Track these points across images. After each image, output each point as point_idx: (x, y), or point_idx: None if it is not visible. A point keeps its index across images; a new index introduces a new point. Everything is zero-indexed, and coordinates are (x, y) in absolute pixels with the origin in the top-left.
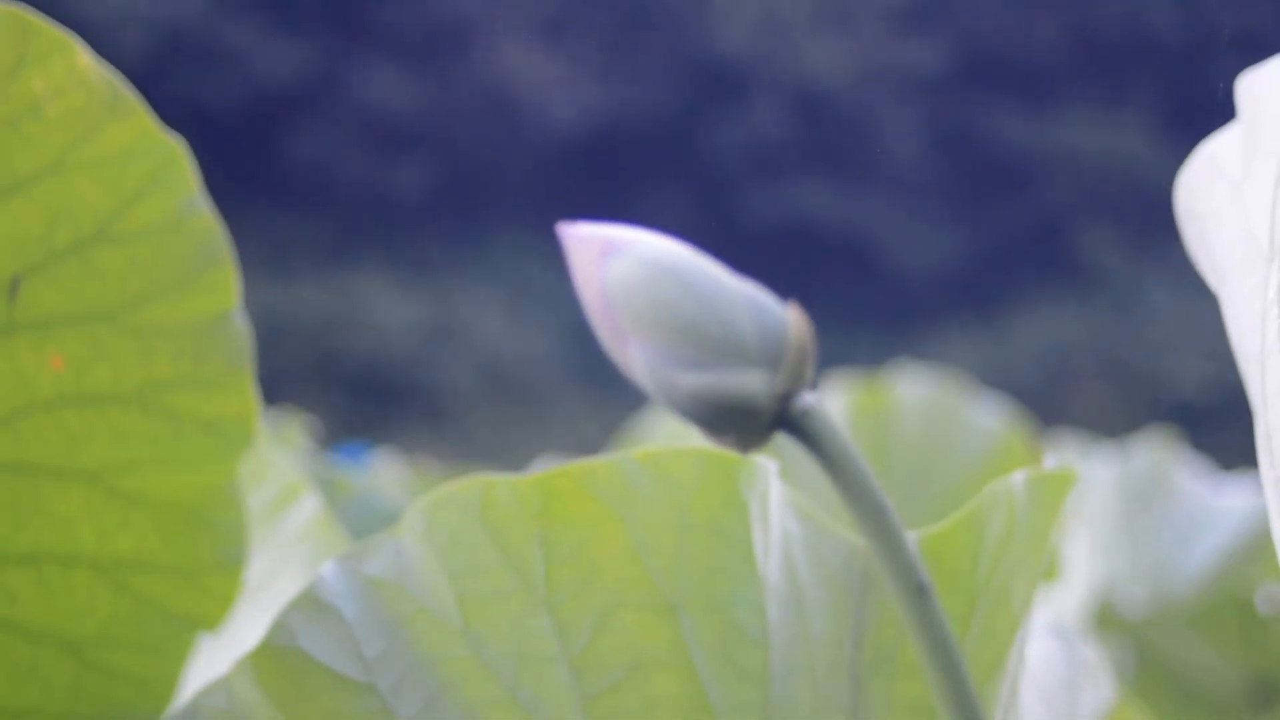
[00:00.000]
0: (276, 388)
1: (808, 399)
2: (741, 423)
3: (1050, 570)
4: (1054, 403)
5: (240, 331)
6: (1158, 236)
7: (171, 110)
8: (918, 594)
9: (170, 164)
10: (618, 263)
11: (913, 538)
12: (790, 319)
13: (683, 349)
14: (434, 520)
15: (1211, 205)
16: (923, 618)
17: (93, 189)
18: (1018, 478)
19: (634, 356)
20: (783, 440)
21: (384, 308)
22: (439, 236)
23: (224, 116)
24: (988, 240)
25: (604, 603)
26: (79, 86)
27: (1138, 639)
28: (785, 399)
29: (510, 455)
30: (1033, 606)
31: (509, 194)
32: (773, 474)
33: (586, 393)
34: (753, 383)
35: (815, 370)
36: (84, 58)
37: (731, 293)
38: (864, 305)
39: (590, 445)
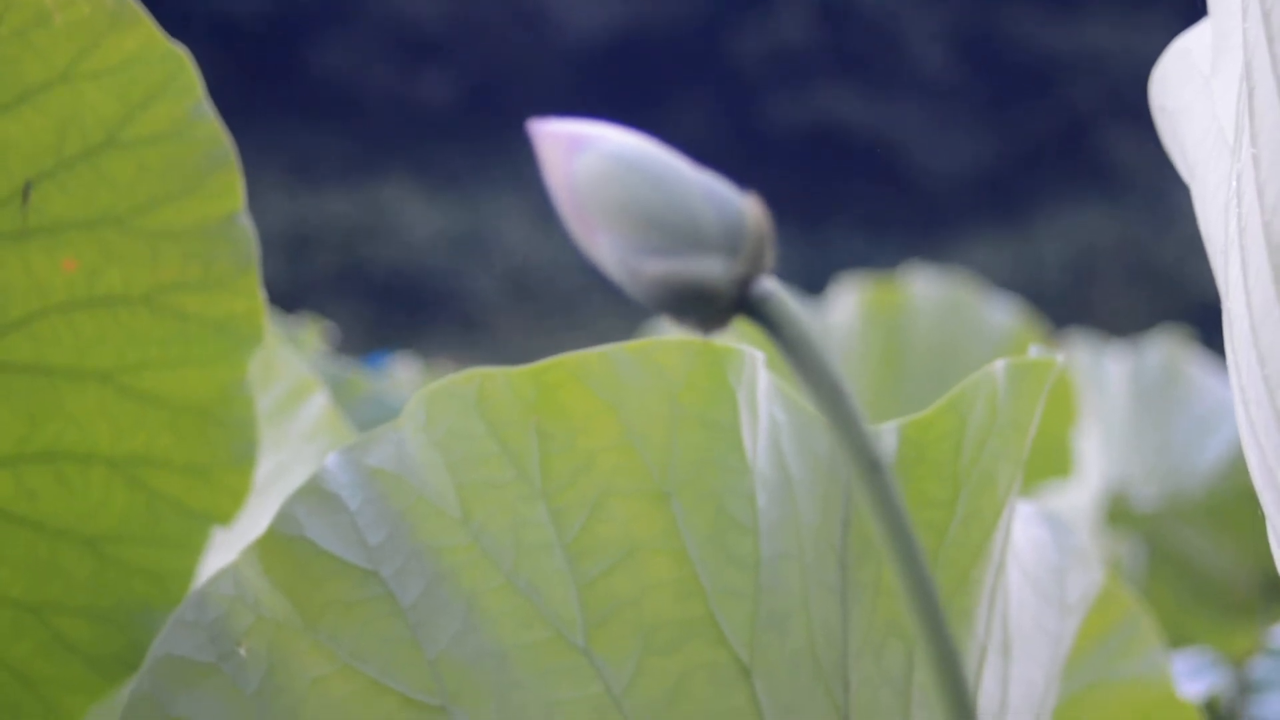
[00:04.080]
0: (305, 298)
1: (766, 284)
2: (703, 307)
3: (1064, 466)
4: (1080, 304)
5: (246, 233)
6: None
7: (197, 23)
8: (872, 470)
9: (176, 72)
10: (584, 157)
11: (895, 426)
12: (748, 208)
13: (646, 238)
14: (433, 412)
15: (1183, 100)
16: (877, 494)
17: (101, 97)
18: (999, 365)
19: (601, 246)
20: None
21: (411, 218)
22: (465, 146)
23: (250, 28)
24: (1013, 143)
25: (597, 491)
26: None
27: (1150, 533)
28: (744, 283)
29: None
30: (1016, 491)
31: (535, 102)
32: (760, 364)
33: (613, 300)
34: (713, 268)
35: (774, 256)
36: None
37: (692, 184)
38: (889, 209)
39: None
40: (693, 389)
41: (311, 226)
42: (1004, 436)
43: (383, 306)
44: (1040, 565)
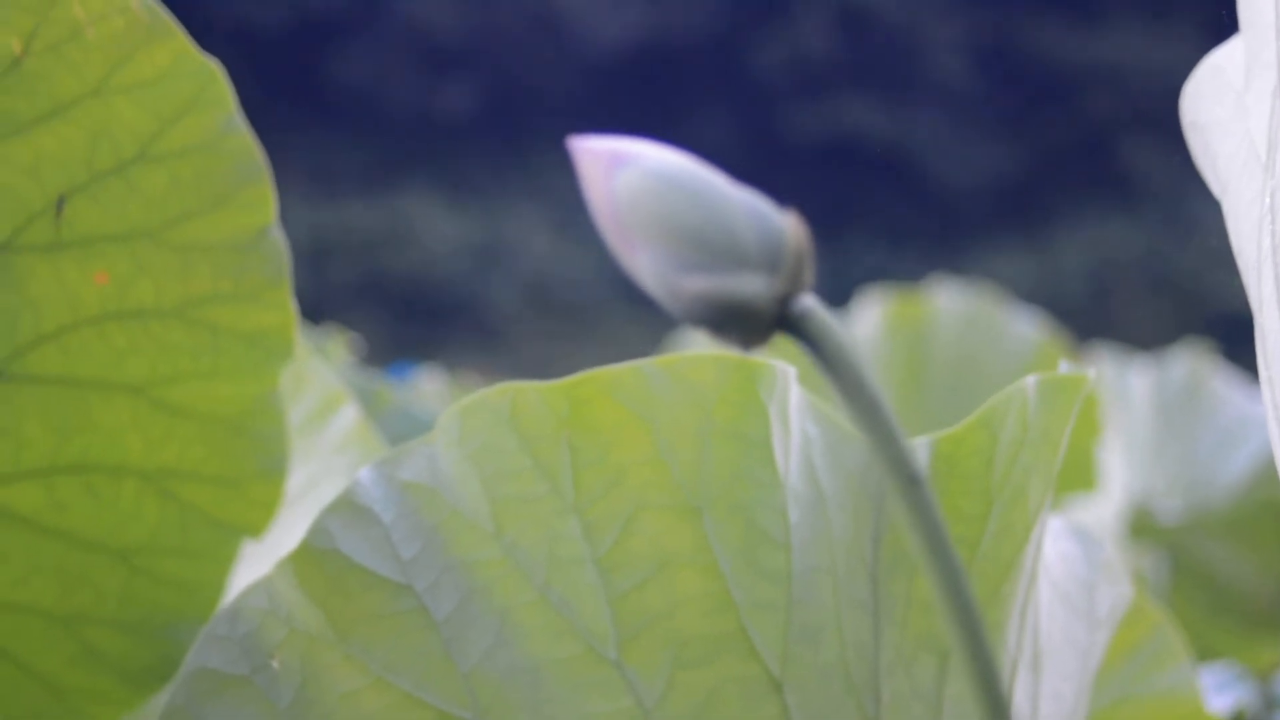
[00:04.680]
0: (325, 308)
1: (806, 301)
2: (743, 324)
3: (1088, 480)
4: (1099, 317)
5: (278, 247)
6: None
7: (219, 32)
8: (911, 485)
9: (208, 85)
10: (625, 174)
11: (927, 441)
12: (788, 225)
13: (687, 255)
14: (466, 426)
15: (1215, 115)
16: (916, 508)
17: (133, 111)
18: (1030, 381)
19: (641, 263)
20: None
21: (431, 228)
22: (485, 156)
23: (271, 39)
24: (1033, 154)
25: (630, 505)
26: (118, 11)
27: (1174, 546)
28: (784, 301)
29: (557, 372)
30: (1048, 506)
31: (555, 113)
32: (792, 379)
33: (632, 311)
34: (753, 285)
35: (814, 273)
36: None
37: (733, 201)
38: (909, 220)
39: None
40: (725, 404)
41: (332, 237)
42: (1035, 451)
43: (402, 317)
44: (1070, 579)
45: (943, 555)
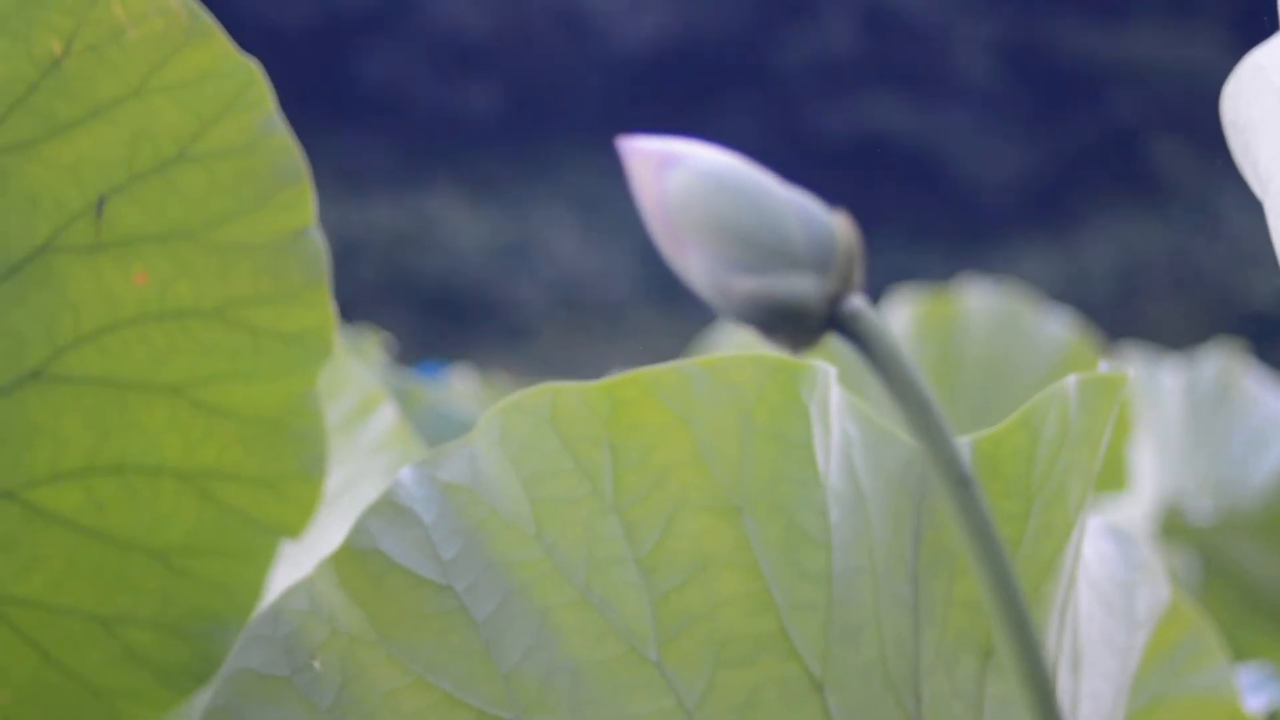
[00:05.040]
0: (351, 307)
1: (856, 301)
2: (793, 324)
3: (1119, 480)
4: (1126, 316)
5: (317, 247)
6: (1229, 149)
7: (243, 31)
8: (962, 486)
9: (248, 85)
10: (675, 174)
11: (968, 441)
12: (838, 225)
13: (737, 255)
14: (507, 427)
15: (1256, 114)
16: (967, 508)
17: (173, 111)
18: (1071, 381)
19: (692, 263)
20: (844, 348)
21: (457, 227)
22: (512, 156)
23: (296, 38)
24: (1059, 153)
25: (670, 505)
26: (159, 12)
27: (1205, 547)
28: (835, 301)
29: (584, 372)
30: (1087, 506)
31: (580, 112)
32: (832, 379)
33: (658, 309)
34: (803, 286)
35: (863, 274)
36: None
37: (783, 201)
38: (934, 219)
39: (662, 361)
40: (765, 404)
41: (357, 236)
42: (1075, 451)
43: (428, 316)
44: (1109, 580)
45: (993, 556)
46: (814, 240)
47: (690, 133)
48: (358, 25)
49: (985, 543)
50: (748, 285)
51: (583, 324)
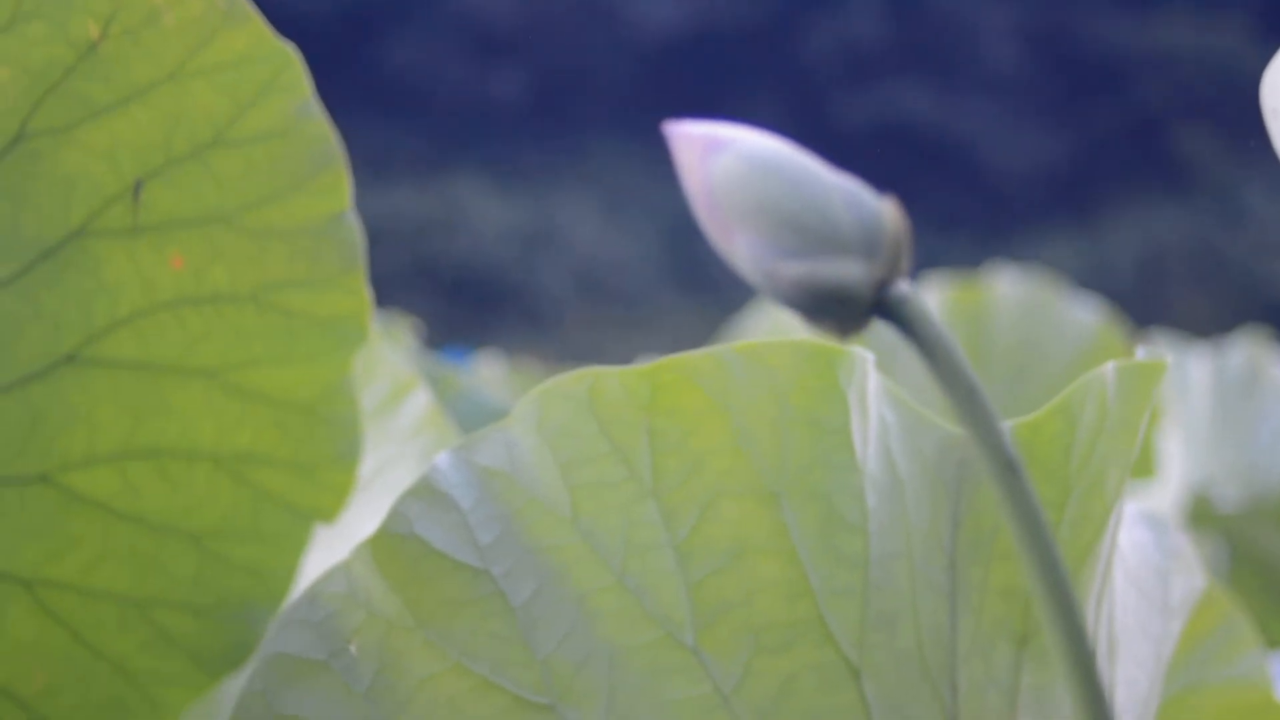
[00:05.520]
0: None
1: (903, 287)
2: (840, 310)
3: (1146, 467)
4: (1151, 304)
5: (353, 232)
6: (1256, 137)
7: (269, 16)
8: (1009, 472)
9: (284, 70)
10: (722, 159)
11: (1006, 427)
12: (886, 211)
13: (784, 240)
14: (544, 412)
15: None
16: (1014, 495)
17: (210, 95)
18: (1109, 368)
19: (738, 248)
20: (878, 336)
21: (482, 213)
22: (536, 142)
23: (322, 24)
24: (1083, 141)
25: (708, 491)
26: None
27: (1232, 534)
28: (881, 287)
29: (607, 358)
30: (1124, 494)
31: (606, 99)
32: (870, 365)
33: (682, 296)
34: (851, 271)
35: (910, 261)
36: None
37: (830, 186)
38: (959, 207)
39: (686, 347)
40: (803, 390)
41: (382, 222)
42: (1113, 439)
43: (452, 302)
44: (1144, 567)
45: (1040, 541)
46: (861, 225)
47: (714, 119)
48: (384, 11)
49: (1032, 528)
50: (794, 270)
51: (606, 310)
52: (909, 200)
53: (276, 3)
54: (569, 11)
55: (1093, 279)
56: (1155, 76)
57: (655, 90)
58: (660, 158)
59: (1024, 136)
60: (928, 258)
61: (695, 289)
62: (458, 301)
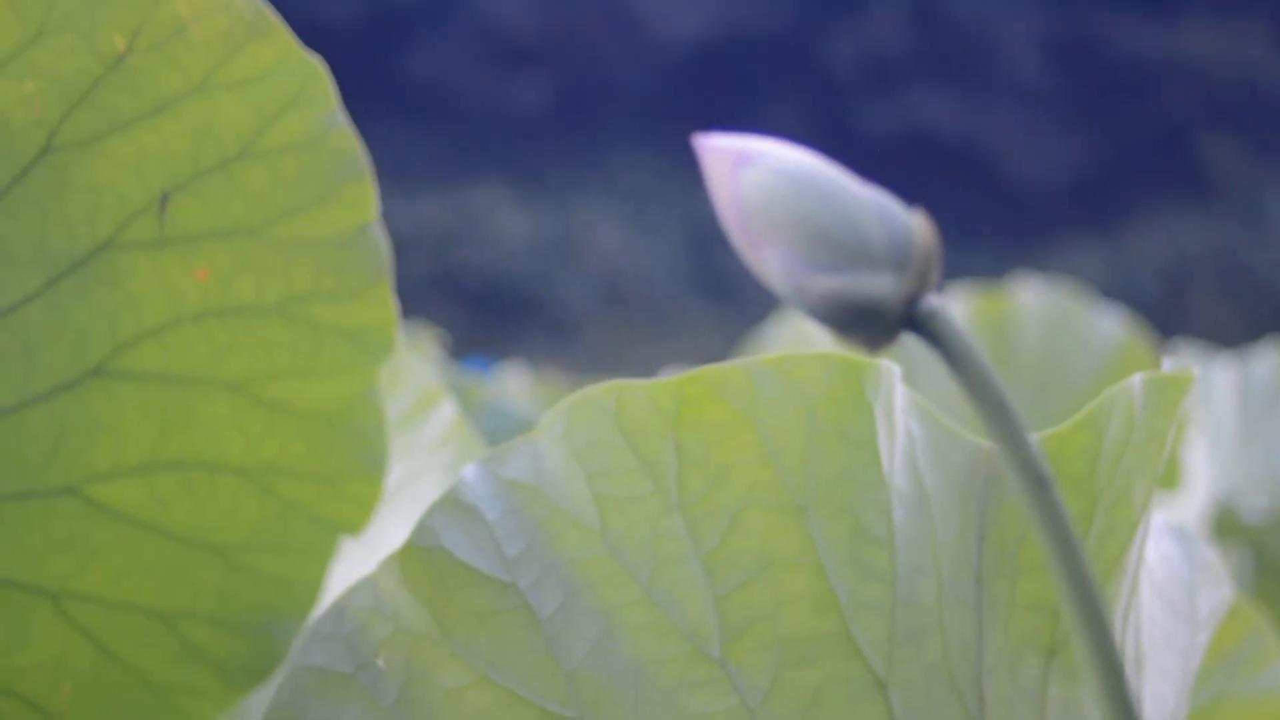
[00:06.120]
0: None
1: (933, 301)
2: (870, 324)
3: (1171, 478)
4: (1173, 314)
5: (379, 244)
6: (1279, 145)
7: (291, 25)
8: (1039, 485)
9: (311, 82)
10: (752, 172)
11: (1033, 439)
12: (916, 224)
13: (814, 253)
14: (571, 424)
15: None
16: (1045, 509)
17: (236, 107)
18: (1136, 380)
19: (768, 261)
20: (901, 344)
21: (504, 223)
22: (558, 151)
23: (343, 33)
24: (1107, 149)
25: (734, 504)
26: (222, 9)
27: (1257, 545)
28: (911, 301)
29: (630, 369)
30: (1151, 507)
31: (628, 107)
32: (897, 378)
33: (705, 306)
34: (881, 285)
35: (939, 274)
36: None
37: (860, 199)
38: (982, 216)
39: (710, 358)
40: (830, 403)
41: (404, 231)
42: (1140, 451)
43: (473, 311)
44: (1171, 580)
45: (1071, 556)
46: (892, 239)
47: (738, 128)
48: (405, 20)
49: (1063, 543)
50: (825, 284)
51: (628, 319)
52: (932, 209)
53: (298, 11)
54: (591, 21)
55: (1116, 288)
56: (1179, 85)
57: (678, 100)
58: (682, 167)
59: (1048, 145)
60: (951, 267)
61: (717, 298)
62: (479, 311)
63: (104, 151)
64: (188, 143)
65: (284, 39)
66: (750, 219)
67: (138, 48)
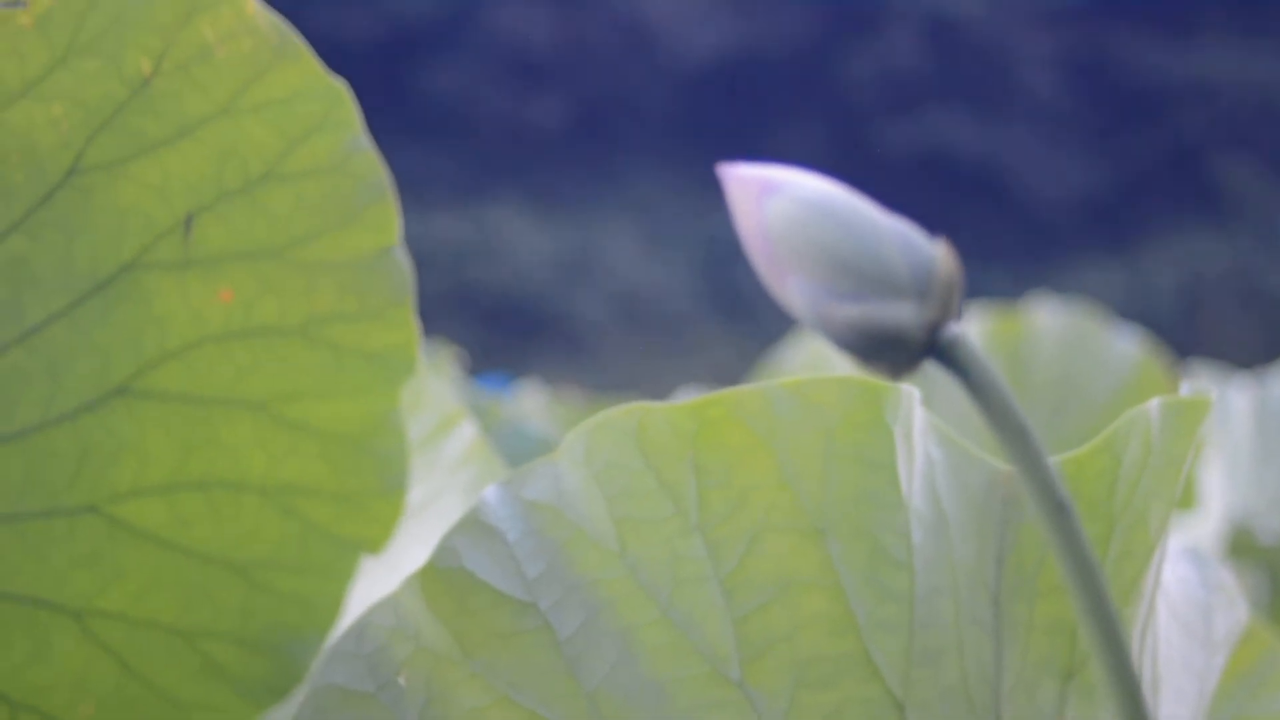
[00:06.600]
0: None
1: (954, 329)
2: (893, 351)
3: (1187, 499)
4: (1190, 334)
5: (402, 266)
6: None
7: (309, 42)
8: (1059, 511)
9: (335, 105)
10: (776, 201)
11: (1053, 465)
12: (938, 253)
13: (838, 282)
14: (592, 446)
15: None
16: (1064, 534)
17: (261, 130)
18: (1153, 404)
19: (791, 289)
20: (920, 369)
21: (520, 240)
22: (575, 169)
23: (361, 51)
24: (1123, 169)
25: (753, 526)
26: (247, 32)
27: (1273, 566)
28: (934, 329)
29: (646, 387)
30: (1168, 530)
31: (644, 126)
32: (916, 401)
33: (721, 324)
34: (903, 313)
35: (961, 302)
36: (252, 4)
37: (883, 228)
38: (999, 236)
39: (725, 377)
40: (849, 426)
41: (421, 248)
42: (1157, 475)
43: (489, 328)
44: (1187, 603)
45: (1090, 580)
46: (914, 268)
47: (754, 147)
48: (424, 39)
49: (1082, 567)
50: (848, 312)
51: (645, 338)
52: (949, 229)
53: (317, 30)
54: (609, 39)
55: (1133, 309)
56: (1196, 106)
57: (695, 118)
58: (698, 185)
59: (1065, 165)
60: (967, 287)
61: (733, 315)
62: (495, 328)
63: (129, 174)
64: (212, 165)
65: (308, 63)
66: (774, 247)
67: (163, 71)
